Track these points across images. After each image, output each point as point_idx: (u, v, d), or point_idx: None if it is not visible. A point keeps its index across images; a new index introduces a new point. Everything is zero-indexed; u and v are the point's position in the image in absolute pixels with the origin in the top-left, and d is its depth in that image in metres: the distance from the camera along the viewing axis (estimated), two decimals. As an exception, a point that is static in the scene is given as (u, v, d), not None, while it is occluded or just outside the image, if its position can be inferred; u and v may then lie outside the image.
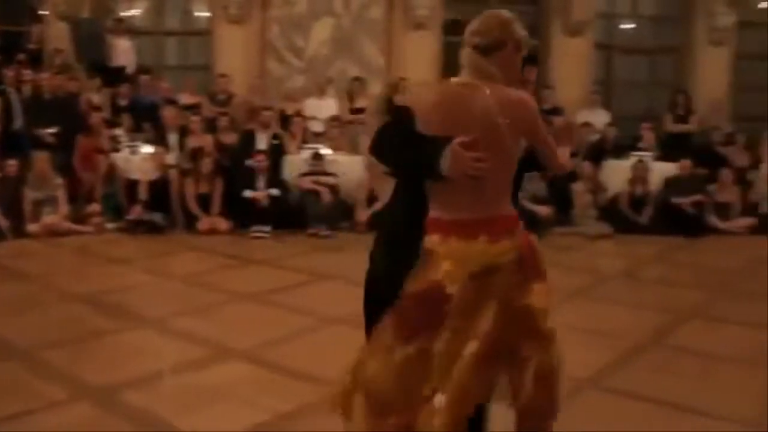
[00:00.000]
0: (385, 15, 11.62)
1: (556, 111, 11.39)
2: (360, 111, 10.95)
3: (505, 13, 2.78)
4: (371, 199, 9.41)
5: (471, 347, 2.55)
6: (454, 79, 2.77)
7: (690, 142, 11.83)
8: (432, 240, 2.66)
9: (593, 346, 5.29)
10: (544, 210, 9.65)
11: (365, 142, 10.37)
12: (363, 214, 9.36)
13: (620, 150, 11.11)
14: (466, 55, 2.80)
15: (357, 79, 11.22)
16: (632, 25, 13.21)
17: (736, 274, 8.11)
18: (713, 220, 10.20)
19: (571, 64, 12.10)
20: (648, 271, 8.37)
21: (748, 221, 10.29)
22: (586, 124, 11.20)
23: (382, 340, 2.65)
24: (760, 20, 13.38)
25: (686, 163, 10.43)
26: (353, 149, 10.37)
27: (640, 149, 11.03)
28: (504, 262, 2.64)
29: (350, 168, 9.86)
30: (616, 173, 10.58)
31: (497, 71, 2.69)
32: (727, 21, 12.52)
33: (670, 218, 9.99)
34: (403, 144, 2.69)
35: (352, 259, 8.24)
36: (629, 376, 4.80)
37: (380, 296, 2.78)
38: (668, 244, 9.34)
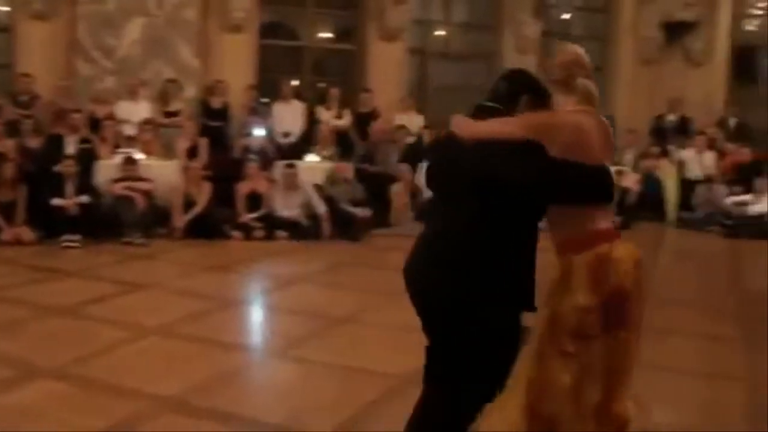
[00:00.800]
0: (200, 16, 11.38)
1: (372, 114, 11.61)
2: (174, 114, 10.67)
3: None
4: (188, 204, 9.20)
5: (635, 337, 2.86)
6: (572, 108, 2.94)
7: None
8: (601, 249, 2.78)
9: (415, 345, 5.33)
10: (362, 212, 9.81)
11: (181, 145, 10.16)
12: (179, 220, 9.13)
13: (435, 152, 11.47)
14: (582, 84, 2.98)
15: (171, 81, 10.91)
16: (445, 32, 13.66)
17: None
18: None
19: (386, 68, 12.35)
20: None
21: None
22: (402, 127, 11.47)
23: (547, 364, 2.76)
24: (563, 30, 14.22)
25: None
26: (167, 153, 10.10)
27: (453, 152, 11.43)
28: None
29: (165, 172, 9.60)
30: (431, 175, 10.90)
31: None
32: (532, 30, 13.20)
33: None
34: (578, 175, 2.79)
35: (167, 267, 8.11)
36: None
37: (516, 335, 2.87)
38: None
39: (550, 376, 2.76)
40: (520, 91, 3.05)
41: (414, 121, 11.94)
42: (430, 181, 3.22)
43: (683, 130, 12.98)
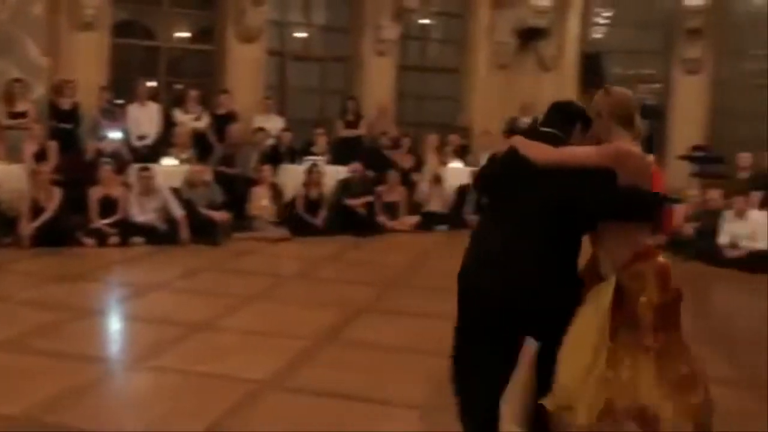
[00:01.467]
0: (48, 13, 10.85)
1: (231, 116, 11.42)
2: (21, 115, 10.12)
3: None
4: (36, 210, 8.75)
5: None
6: (629, 141, 3.43)
7: (360, 146, 12.46)
8: (662, 258, 3.33)
9: (272, 348, 5.36)
10: (220, 215, 9.63)
11: (28, 148, 9.64)
12: (27, 228, 8.65)
13: (295, 154, 11.42)
14: (639, 122, 3.52)
15: (17, 80, 10.34)
16: (304, 34, 13.62)
17: (404, 269, 8.68)
18: (382, 220, 10.83)
19: (245, 69, 12.18)
20: (324, 270, 8.67)
21: (413, 219, 11.07)
22: (261, 129, 11.35)
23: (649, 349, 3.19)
24: (421, 35, 14.46)
25: (357, 166, 10.99)
26: (13, 157, 9.59)
27: (313, 153, 11.42)
28: None
29: (10, 177, 9.11)
30: (292, 177, 10.86)
31: None
32: (391, 33, 13.35)
33: (344, 219, 10.45)
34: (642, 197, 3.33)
35: (15, 278, 7.67)
36: (309, 373, 4.92)
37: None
38: (342, 243, 9.76)
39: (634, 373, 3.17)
40: (575, 119, 3.52)
41: (274, 123, 11.83)
42: (489, 192, 3.72)
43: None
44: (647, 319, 3.19)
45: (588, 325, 3.22)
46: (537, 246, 3.28)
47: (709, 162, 12.77)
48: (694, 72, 14.03)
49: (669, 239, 10.28)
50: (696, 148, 13.15)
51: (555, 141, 3.40)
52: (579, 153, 3.35)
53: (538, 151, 3.37)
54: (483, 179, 3.77)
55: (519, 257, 3.28)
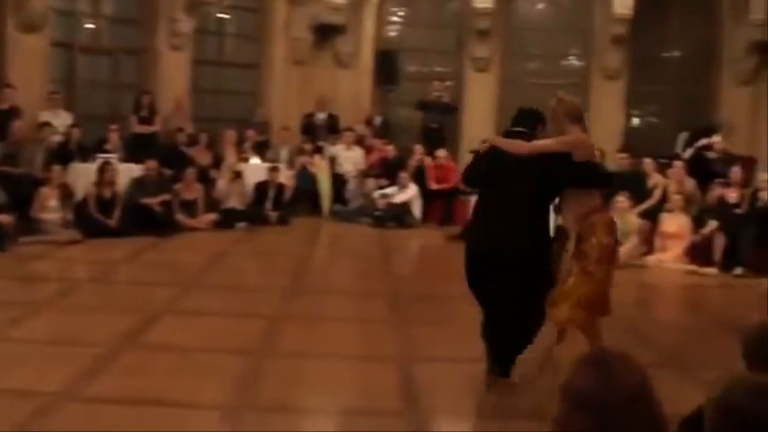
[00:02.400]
0: None
1: (14, 111, 10.70)
2: None
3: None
4: None
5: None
6: (580, 132, 4.99)
7: (155, 142, 12.09)
8: (609, 213, 5.30)
9: (65, 357, 5.10)
10: (3, 218, 9.00)
11: None
12: None
13: (85, 152, 10.88)
14: (585, 118, 5.24)
15: None
16: (93, 25, 12.98)
17: (203, 268, 8.53)
18: (180, 218, 10.58)
19: (28, 62, 11.42)
20: (119, 273, 8.36)
21: (211, 217, 10.89)
22: (46, 124, 10.73)
23: (591, 273, 4.83)
24: (217, 29, 14.22)
25: (152, 163, 10.65)
26: None
27: (106, 151, 10.93)
28: None
29: None
30: (82, 176, 10.35)
31: None
32: (186, 27, 13.02)
33: (140, 219, 10.10)
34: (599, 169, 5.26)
35: None
36: (105, 381, 4.74)
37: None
38: (139, 244, 9.42)
39: (581, 287, 4.81)
40: (537, 120, 5.14)
41: (61, 119, 11.22)
42: (481, 179, 5.19)
43: (332, 128, 13.64)
44: (594, 254, 4.77)
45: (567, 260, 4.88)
46: (526, 216, 4.84)
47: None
48: (483, 70, 14.75)
49: (462, 230, 10.84)
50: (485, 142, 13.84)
51: (526, 137, 4.94)
52: (547, 144, 4.90)
53: (515, 147, 4.89)
54: (472, 174, 5.30)
55: (515, 225, 4.80)
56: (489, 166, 4.99)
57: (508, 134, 5.07)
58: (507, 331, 4.85)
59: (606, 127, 14.13)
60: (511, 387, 4.81)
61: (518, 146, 4.85)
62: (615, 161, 11.51)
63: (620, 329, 6.68)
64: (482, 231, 4.95)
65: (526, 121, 5.11)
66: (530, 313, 4.87)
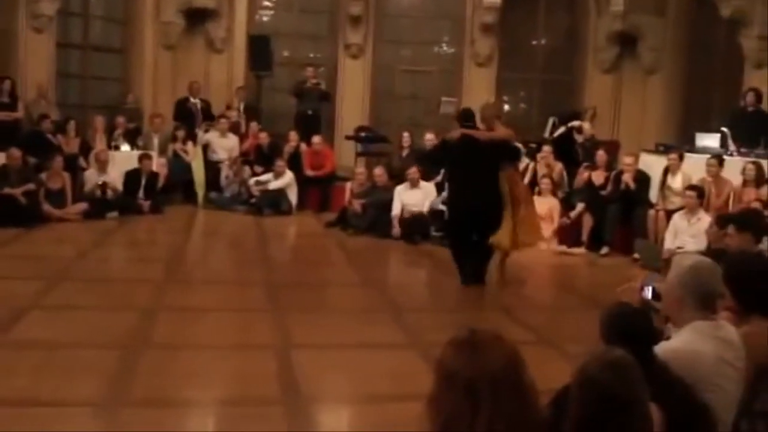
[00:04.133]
0: None
1: None
2: None
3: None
4: None
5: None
6: (504, 126, 7.75)
7: (18, 130, 11.55)
8: (518, 173, 8.37)
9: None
10: None
11: None
12: None
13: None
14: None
15: None
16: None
17: (71, 260, 8.23)
18: (47, 208, 10.16)
19: None
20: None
21: (81, 207, 10.51)
22: None
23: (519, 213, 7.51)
24: (82, 11, 13.67)
25: (15, 152, 10.17)
26: None
27: (-36, 139, 10.37)
28: None
29: None
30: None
31: None
32: (48, 9, 12.45)
33: (3, 210, 9.63)
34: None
35: None
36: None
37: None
38: (2, 236, 8.98)
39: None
40: (474, 118, 7.71)
41: None
42: (451, 160, 7.77)
43: (206, 114, 13.39)
44: (519, 199, 7.45)
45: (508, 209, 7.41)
46: (489, 185, 7.30)
47: (373, 141, 13.61)
48: (356, 56, 14.79)
49: (339, 215, 10.88)
50: (360, 128, 13.92)
51: (474, 130, 7.53)
52: (500, 134, 7.45)
53: (481, 135, 7.41)
54: (441, 155, 8.27)
55: (484, 192, 7.32)
56: (461, 151, 7.40)
57: (468, 126, 7.57)
58: (484, 253, 7.55)
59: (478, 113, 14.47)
60: (482, 286, 7.50)
61: (486, 135, 7.40)
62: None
63: (492, 308, 6.92)
64: (462, 196, 7.54)
65: (472, 119, 7.71)
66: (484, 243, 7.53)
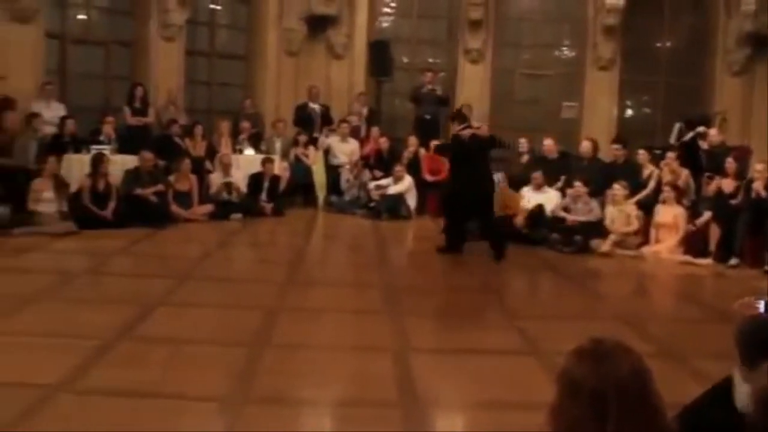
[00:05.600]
0: None
1: (6, 102, 10.66)
2: None
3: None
4: None
5: None
6: (477, 124, 9.91)
7: (149, 134, 12.07)
8: None
9: (60, 350, 5.09)
10: None
11: None
12: None
13: (79, 143, 10.86)
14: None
15: None
16: (85, 16, 12.94)
17: (198, 260, 8.53)
18: (175, 209, 10.56)
19: (21, 53, 11.38)
20: (114, 265, 8.33)
21: (207, 208, 10.87)
22: (35, 115, 10.69)
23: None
24: (209, 20, 14.18)
25: (147, 154, 10.62)
26: None
27: (100, 142, 10.91)
28: None
29: None
30: (77, 168, 10.33)
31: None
32: (178, 18, 12.98)
33: (135, 210, 10.08)
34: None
35: None
36: (101, 373, 4.72)
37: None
38: (134, 236, 9.41)
39: None
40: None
41: (54, 110, 11.18)
42: (460, 153, 9.16)
43: (327, 119, 13.62)
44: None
45: None
46: (486, 171, 9.15)
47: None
48: (476, 61, 14.74)
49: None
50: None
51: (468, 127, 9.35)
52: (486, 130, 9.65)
53: (480, 132, 9.26)
54: (452, 149, 9.58)
55: (483, 178, 9.06)
56: (469, 145, 9.07)
57: (467, 128, 9.26)
58: (499, 233, 9.17)
59: (599, 118, 14.18)
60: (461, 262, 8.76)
61: (480, 132, 9.32)
62: (609, 152, 11.53)
63: (612, 317, 6.74)
64: (465, 183, 8.97)
65: (467, 118, 9.70)
66: (493, 222, 9.26)
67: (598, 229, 9.92)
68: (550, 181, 10.86)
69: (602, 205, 10.22)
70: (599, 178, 10.65)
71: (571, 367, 1.93)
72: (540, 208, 10.33)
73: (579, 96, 14.57)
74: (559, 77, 15.16)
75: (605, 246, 9.67)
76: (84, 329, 5.58)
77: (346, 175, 12.63)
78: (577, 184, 10.21)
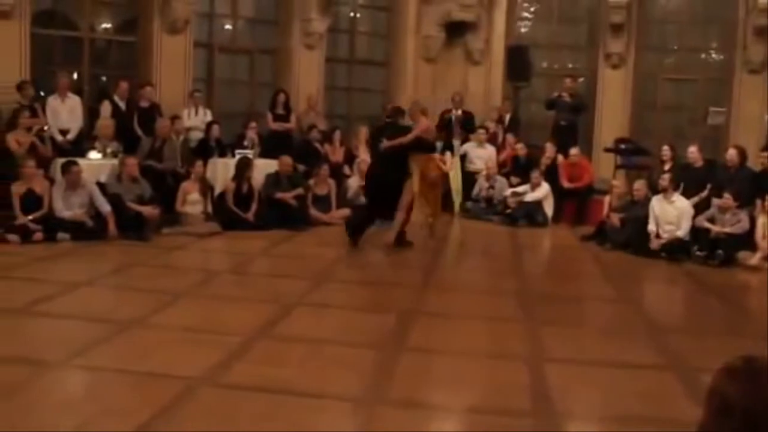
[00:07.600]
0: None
1: (154, 108, 11.23)
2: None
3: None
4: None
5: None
6: (427, 120, 9.91)
7: (290, 139, 12.41)
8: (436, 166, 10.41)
9: (204, 344, 5.31)
10: (149, 210, 9.48)
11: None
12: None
13: (224, 148, 11.30)
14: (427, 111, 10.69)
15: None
16: (231, 26, 13.47)
17: (336, 262, 8.70)
18: (314, 213, 10.81)
19: (172, 62, 11.99)
20: (255, 265, 8.63)
21: (344, 212, 11.06)
22: (177, 117, 11.17)
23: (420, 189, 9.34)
24: (349, 27, 14.47)
25: (287, 159, 10.93)
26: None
27: (243, 147, 11.31)
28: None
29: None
30: (222, 171, 10.76)
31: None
32: (319, 26, 13.31)
33: (276, 213, 10.39)
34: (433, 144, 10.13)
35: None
36: (241, 369, 4.89)
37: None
38: (274, 237, 9.71)
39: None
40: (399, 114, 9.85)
41: (201, 116, 11.69)
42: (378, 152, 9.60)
43: (466, 125, 13.59)
44: (429, 180, 9.37)
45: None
46: (399, 167, 9.18)
47: (634, 154, 13.11)
48: (617, 66, 14.37)
49: (596, 229, 10.58)
50: (620, 140, 13.48)
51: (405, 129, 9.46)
52: (417, 131, 9.27)
53: (398, 143, 9.22)
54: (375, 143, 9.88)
55: (394, 171, 9.20)
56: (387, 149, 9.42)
57: (389, 124, 9.76)
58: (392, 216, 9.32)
59: (748, 124, 13.53)
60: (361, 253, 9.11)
61: (401, 141, 9.24)
62: (757, 160, 10.97)
63: (756, 335, 6.39)
64: (376, 172, 9.43)
65: (396, 115, 9.81)
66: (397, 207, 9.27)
67: (745, 241, 9.44)
68: (694, 190, 10.40)
69: (750, 217, 9.70)
70: (747, 188, 10.13)
71: (722, 385, 1.86)
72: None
73: (727, 101, 13.95)
74: (706, 82, 14.56)
75: (754, 259, 9.20)
76: (227, 326, 5.81)
77: (482, 182, 12.57)
78: (727, 196, 9.66)
